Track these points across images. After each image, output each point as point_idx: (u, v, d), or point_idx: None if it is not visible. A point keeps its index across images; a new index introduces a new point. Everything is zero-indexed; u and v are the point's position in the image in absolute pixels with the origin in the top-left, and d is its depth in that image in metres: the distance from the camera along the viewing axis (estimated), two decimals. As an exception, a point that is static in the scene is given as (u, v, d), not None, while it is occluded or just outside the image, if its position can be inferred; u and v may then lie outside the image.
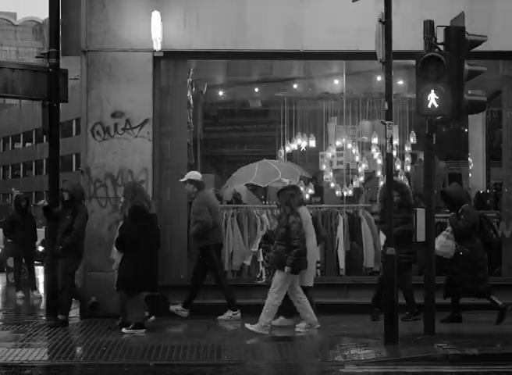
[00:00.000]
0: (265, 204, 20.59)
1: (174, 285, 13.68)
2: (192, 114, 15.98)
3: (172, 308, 13.13)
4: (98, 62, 13.96)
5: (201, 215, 13.17)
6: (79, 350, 11.33)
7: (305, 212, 12.52)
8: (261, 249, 12.26)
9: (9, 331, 12.58)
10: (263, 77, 18.01)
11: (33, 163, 78.84)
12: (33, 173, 78.88)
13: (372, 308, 13.09)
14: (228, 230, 14.35)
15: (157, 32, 13.69)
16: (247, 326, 12.00)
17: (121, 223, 12.65)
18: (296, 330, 12.12)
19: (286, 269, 11.82)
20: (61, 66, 13.90)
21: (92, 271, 13.80)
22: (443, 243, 12.57)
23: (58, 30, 13.87)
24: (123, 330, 12.16)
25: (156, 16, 13.70)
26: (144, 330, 12.13)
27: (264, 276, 12.20)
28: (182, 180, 13.35)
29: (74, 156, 59.67)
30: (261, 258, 12.29)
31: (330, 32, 13.88)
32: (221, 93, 19.39)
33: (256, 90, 19.36)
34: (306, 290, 12.53)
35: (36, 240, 18.01)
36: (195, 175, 13.51)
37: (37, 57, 14.62)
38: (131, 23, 13.93)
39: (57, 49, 13.79)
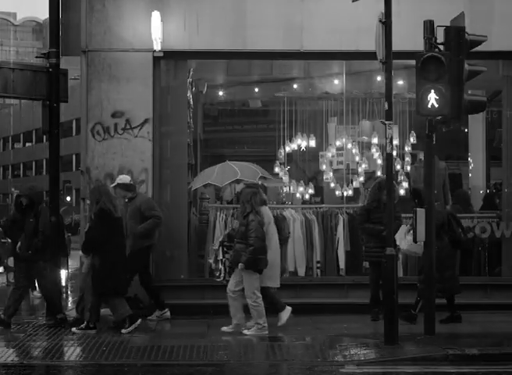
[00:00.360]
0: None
1: (174, 285, 13.69)
2: (192, 114, 15.98)
3: (152, 317, 13.14)
4: (98, 62, 13.96)
5: (155, 210, 13.15)
6: (79, 350, 11.34)
7: (267, 213, 12.54)
8: (221, 247, 12.29)
9: (9, 331, 12.56)
10: (263, 77, 18.00)
11: (33, 163, 78.86)
12: (33, 173, 78.88)
13: (371, 309, 13.10)
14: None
15: (157, 32, 13.70)
16: (245, 331, 12.03)
17: (87, 226, 12.60)
18: (245, 332, 12.07)
19: (240, 265, 11.86)
20: (61, 66, 13.90)
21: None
22: (411, 242, 12.58)
23: (58, 30, 13.87)
24: (73, 329, 12.18)
25: (156, 16, 13.70)
26: (95, 331, 12.09)
27: (222, 275, 12.21)
28: (112, 186, 13.26)
29: (74, 156, 59.70)
30: (220, 257, 12.30)
31: (330, 32, 13.88)
32: (221, 93, 19.37)
33: (256, 90, 19.35)
34: (269, 289, 12.53)
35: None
36: (123, 179, 13.42)
37: (37, 57, 14.62)
38: (131, 23, 13.93)
39: (57, 49, 13.78)
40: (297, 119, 19.54)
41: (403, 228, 12.85)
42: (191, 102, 15.77)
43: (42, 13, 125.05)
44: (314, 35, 13.95)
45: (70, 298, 16.50)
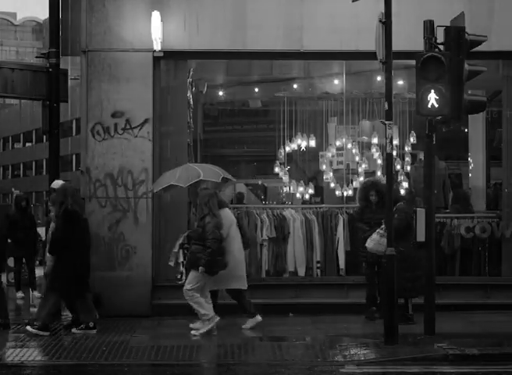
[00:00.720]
0: (265, 204, 20.66)
1: (174, 285, 13.66)
2: (192, 114, 15.97)
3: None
4: (98, 62, 13.96)
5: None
6: (79, 350, 11.33)
7: (229, 215, 12.57)
8: (181, 250, 12.28)
9: (9, 331, 12.56)
10: (263, 77, 18.01)
11: (33, 163, 78.83)
12: (33, 173, 78.87)
13: (368, 308, 13.09)
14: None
15: (157, 32, 13.69)
16: (193, 330, 12.00)
17: (52, 226, 12.55)
18: (194, 333, 12.03)
19: (200, 269, 11.86)
20: (61, 66, 13.91)
21: (92, 271, 13.76)
22: (377, 241, 12.60)
23: (58, 30, 13.89)
24: (73, 330, 12.15)
25: (156, 15, 13.70)
26: (95, 331, 12.09)
27: (184, 277, 12.20)
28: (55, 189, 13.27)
29: (74, 156, 59.66)
30: (181, 259, 12.29)
31: (330, 32, 13.88)
32: (221, 93, 19.38)
33: (256, 90, 19.35)
34: (241, 292, 12.55)
35: (36, 240, 17.99)
36: (57, 184, 13.42)
37: (37, 57, 14.64)
38: (131, 23, 13.92)
39: (57, 49, 13.81)
40: (297, 119, 19.56)
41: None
42: (191, 102, 15.76)
43: (42, 13, 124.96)
44: (314, 35, 13.95)
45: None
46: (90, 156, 13.95)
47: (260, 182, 23.89)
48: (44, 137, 18.28)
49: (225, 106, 22.28)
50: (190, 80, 15.46)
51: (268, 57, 14.78)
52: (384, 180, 13.09)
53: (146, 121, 13.94)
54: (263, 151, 23.32)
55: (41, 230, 18.52)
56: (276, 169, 19.00)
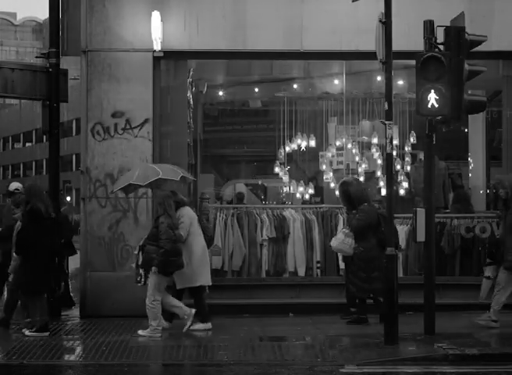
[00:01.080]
0: (265, 204, 20.64)
1: (174, 285, 13.67)
2: (192, 114, 15.97)
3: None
4: (98, 62, 13.95)
5: None
6: (79, 350, 11.33)
7: (189, 213, 12.54)
8: (140, 252, 12.26)
9: (9, 331, 12.55)
10: (263, 77, 18.00)
11: (33, 163, 78.84)
12: (33, 173, 78.87)
13: (349, 308, 13.04)
14: (228, 230, 14.36)
15: (157, 32, 13.69)
16: (139, 332, 11.98)
17: (17, 225, 12.52)
18: (139, 333, 12.01)
19: (153, 269, 11.84)
20: (61, 66, 13.90)
21: (92, 271, 13.79)
22: (341, 240, 12.64)
23: (58, 30, 13.88)
24: (26, 332, 12.03)
25: (156, 15, 13.70)
26: (47, 333, 12.01)
27: (143, 279, 12.18)
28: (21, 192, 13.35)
29: (74, 156, 59.68)
30: (140, 261, 12.26)
31: (330, 32, 13.88)
32: (221, 93, 19.37)
33: (256, 90, 19.35)
34: (201, 290, 12.52)
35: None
36: (12, 186, 13.66)
37: (37, 57, 14.62)
38: (131, 23, 13.92)
39: (57, 49, 13.79)
40: (297, 119, 19.54)
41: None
42: (191, 102, 15.76)
43: (42, 13, 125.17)
44: (314, 35, 13.95)
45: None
46: (90, 156, 13.95)
47: (260, 182, 23.86)
48: (44, 137, 18.23)
49: (225, 106, 22.25)
50: (190, 80, 15.46)
51: (268, 57, 14.77)
52: (354, 182, 13.23)
53: (146, 121, 13.94)
54: (263, 151, 23.28)
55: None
56: (276, 169, 18.98)
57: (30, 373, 10.04)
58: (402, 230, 14.15)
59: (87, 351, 11.02)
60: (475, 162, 19.05)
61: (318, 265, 14.46)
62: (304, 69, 17.31)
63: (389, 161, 11.48)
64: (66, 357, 10.88)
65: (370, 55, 11.93)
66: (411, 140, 18.90)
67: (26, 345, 11.30)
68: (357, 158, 18.74)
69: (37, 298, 12.07)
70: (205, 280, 12.53)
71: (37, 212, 12.07)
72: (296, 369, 10.03)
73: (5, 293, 13.27)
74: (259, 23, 13.95)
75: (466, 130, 19.21)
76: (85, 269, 13.86)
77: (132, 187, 12.85)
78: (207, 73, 17.10)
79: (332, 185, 18.64)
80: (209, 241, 12.93)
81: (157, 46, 13.77)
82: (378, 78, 16.65)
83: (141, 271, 12.09)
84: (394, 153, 13.21)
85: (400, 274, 13.57)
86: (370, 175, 18.85)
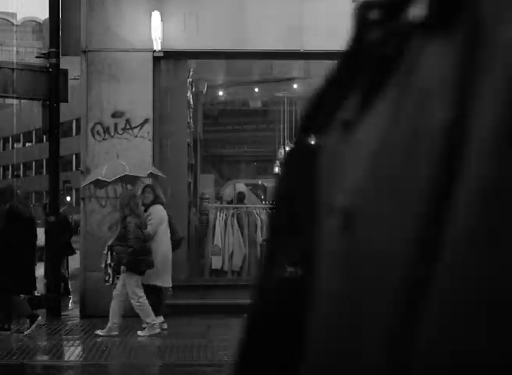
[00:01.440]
0: (265, 204, 20.66)
1: (174, 285, 13.66)
2: (192, 114, 15.99)
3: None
4: (98, 62, 13.96)
5: None
6: (79, 350, 11.34)
7: (159, 212, 12.48)
8: (109, 252, 12.26)
9: (9, 331, 12.55)
10: (263, 77, 18.02)
11: (33, 163, 78.92)
12: (33, 173, 78.94)
13: None
14: (228, 230, 14.36)
15: (157, 32, 13.70)
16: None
17: None
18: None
19: (122, 268, 11.83)
20: (61, 66, 13.91)
21: (93, 271, 13.79)
22: None
23: (58, 30, 13.89)
24: (25, 332, 12.08)
25: (156, 15, 13.71)
26: (9, 332, 12.02)
27: (111, 279, 12.17)
28: None
29: (74, 156, 59.74)
30: (109, 261, 12.25)
31: (330, 32, 13.87)
32: (221, 93, 19.40)
33: (256, 90, 19.37)
34: (161, 290, 12.49)
35: (36, 239, 17.98)
36: None
37: (37, 57, 14.65)
38: (131, 23, 13.93)
39: (57, 49, 13.81)
40: (297, 119, 19.55)
41: None
42: (191, 102, 15.77)
43: (42, 13, 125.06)
44: (314, 35, 13.95)
45: (71, 298, 16.49)
46: (90, 156, 13.95)
47: (260, 182, 23.88)
48: (44, 137, 18.24)
49: (225, 106, 22.28)
50: (190, 80, 15.47)
51: (268, 57, 14.78)
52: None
53: (146, 121, 13.94)
54: (263, 151, 23.30)
55: (40, 231, 18.53)
56: (276, 169, 18.99)
57: (30, 373, 10.05)
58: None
59: (87, 351, 11.02)
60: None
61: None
62: (303, 69, 17.32)
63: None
64: (66, 357, 10.89)
65: (370, 55, 11.93)
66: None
67: (25, 345, 11.32)
68: (356, 158, 18.75)
69: (15, 299, 12.13)
70: (162, 281, 12.45)
71: (15, 212, 12.07)
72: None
73: None
74: (259, 23, 13.96)
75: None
76: (85, 269, 13.86)
77: (101, 183, 12.81)
78: (207, 73, 17.12)
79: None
80: (177, 244, 12.80)
81: (157, 46, 13.78)
82: (378, 78, 16.66)
83: (109, 271, 12.10)
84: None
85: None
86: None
